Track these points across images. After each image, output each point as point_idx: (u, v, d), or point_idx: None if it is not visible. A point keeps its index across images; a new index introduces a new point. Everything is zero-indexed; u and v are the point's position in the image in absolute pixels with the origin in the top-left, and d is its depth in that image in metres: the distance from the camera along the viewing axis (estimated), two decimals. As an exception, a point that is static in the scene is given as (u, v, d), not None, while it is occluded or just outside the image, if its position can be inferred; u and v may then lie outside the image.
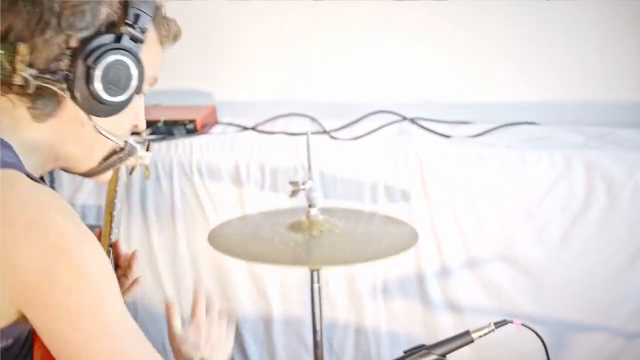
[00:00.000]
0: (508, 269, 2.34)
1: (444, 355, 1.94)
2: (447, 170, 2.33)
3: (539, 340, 2.26)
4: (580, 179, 2.24)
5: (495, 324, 1.90)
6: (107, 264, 1.10)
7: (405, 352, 1.94)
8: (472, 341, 1.90)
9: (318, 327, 2.18)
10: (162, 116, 2.60)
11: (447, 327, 2.38)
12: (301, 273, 2.49)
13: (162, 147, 2.52)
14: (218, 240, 2.05)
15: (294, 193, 2.05)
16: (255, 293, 2.54)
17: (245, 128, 2.64)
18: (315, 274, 2.09)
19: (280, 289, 2.52)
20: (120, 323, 1.07)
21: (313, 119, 2.65)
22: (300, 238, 2.02)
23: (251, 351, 2.57)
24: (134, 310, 2.62)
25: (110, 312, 1.06)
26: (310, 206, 2.05)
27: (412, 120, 2.59)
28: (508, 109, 2.61)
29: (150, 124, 2.60)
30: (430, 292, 2.40)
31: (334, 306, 2.48)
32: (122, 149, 1.22)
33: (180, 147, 2.52)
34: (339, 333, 2.50)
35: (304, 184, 2.03)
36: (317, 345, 2.20)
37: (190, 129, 2.56)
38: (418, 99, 2.69)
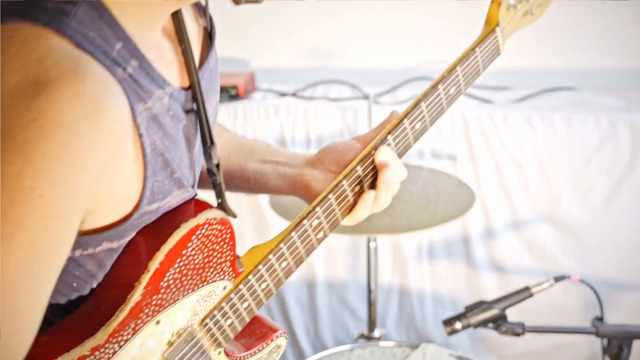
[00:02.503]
0: (553, 230, 2.38)
1: (503, 310, 2.00)
2: (493, 134, 2.37)
3: (582, 298, 2.33)
4: (626, 142, 2.29)
5: (555, 278, 1.97)
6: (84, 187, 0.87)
7: (466, 307, 2.00)
8: (531, 296, 1.96)
9: (373, 287, 2.22)
10: (203, 82, 2.61)
11: (491, 288, 2.44)
12: (345, 238, 2.53)
13: (205, 113, 2.53)
14: (280, 204, 2.07)
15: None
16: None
17: (285, 94, 2.66)
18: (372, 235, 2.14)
19: (324, 254, 2.55)
20: (20, 257, 0.83)
21: (353, 86, 2.67)
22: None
23: (294, 315, 2.60)
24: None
25: (23, 235, 0.82)
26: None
27: (452, 87, 2.61)
28: (544, 75, 2.66)
29: (191, 90, 2.61)
30: (475, 253, 2.44)
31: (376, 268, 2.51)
32: None
33: (224, 112, 2.53)
34: (383, 295, 2.54)
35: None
36: (371, 304, 2.24)
37: (233, 94, 2.57)
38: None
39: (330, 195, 1.14)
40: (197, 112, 1.08)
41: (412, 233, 2.22)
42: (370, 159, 1.16)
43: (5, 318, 0.84)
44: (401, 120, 1.17)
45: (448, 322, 1.97)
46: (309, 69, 2.80)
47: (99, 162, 0.88)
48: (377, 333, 2.22)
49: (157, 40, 1.02)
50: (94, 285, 1.03)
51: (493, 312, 1.99)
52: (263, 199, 2.41)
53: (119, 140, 0.90)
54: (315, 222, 1.14)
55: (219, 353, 1.16)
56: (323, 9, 2.76)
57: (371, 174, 1.17)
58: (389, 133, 1.16)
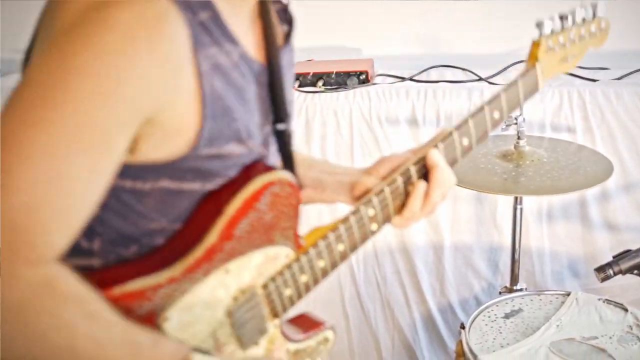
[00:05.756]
0: (662, 191, 2.71)
1: (644, 256, 2.28)
2: (608, 107, 2.67)
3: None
4: None
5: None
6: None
7: (614, 257, 2.29)
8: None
9: (517, 246, 2.50)
10: (334, 68, 2.87)
11: (605, 245, 2.74)
12: (471, 208, 2.81)
13: (340, 96, 2.79)
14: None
15: (508, 126, 2.36)
16: (427, 226, 2.84)
17: (403, 79, 2.92)
18: (519, 198, 2.43)
19: (451, 221, 2.82)
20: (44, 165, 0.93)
21: (464, 69, 2.95)
22: (510, 167, 2.34)
23: (422, 276, 2.88)
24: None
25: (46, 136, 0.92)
26: (519, 138, 2.37)
27: (556, 67, 2.90)
28: (632, 56, 2.97)
29: (322, 75, 2.86)
30: (590, 214, 2.74)
31: (499, 231, 2.80)
32: None
33: (358, 95, 2.79)
34: (505, 256, 2.83)
35: (516, 118, 2.35)
36: (515, 261, 2.52)
37: (363, 79, 2.84)
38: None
39: (386, 188, 1.27)
40: (272, 86, 1.18)
41: (558, 195, 2.52)
42: (423, 162, 1.29)
43: (37, 158, 0.92)
44: (451, 133, 1.32)
45: (601, 269, 2.25)
46: (417, 56, 3.07)
47: (152, 72, 0.96)
48: (520, 286, 2.51)
49: (241, 14, 1.14)
50: (152, 228, 1.09)
51: (639, 259, 2.30)
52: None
53: (174, 63, 0.99)
54: (370, 212, 1.26)
55: (276, 326, 1.25)
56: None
57: (423, 176, 1.30)
58: (440, 141, 1.31)
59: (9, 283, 0.92)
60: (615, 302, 2.28)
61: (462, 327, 2.17)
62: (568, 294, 2.31)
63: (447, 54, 3.02)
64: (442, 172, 1.29)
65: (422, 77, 2.92)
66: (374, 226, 1.28)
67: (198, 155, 1.05)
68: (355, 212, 1.26)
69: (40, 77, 0.93)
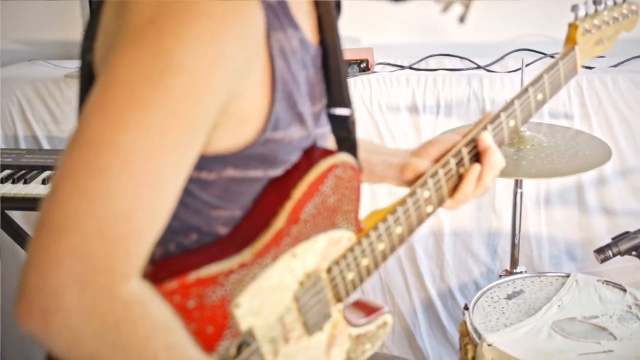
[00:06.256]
0: (657, 176, 2.76)
1: (645, 234, 2.33)
2: (604, 94, 2.72)
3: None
4: None
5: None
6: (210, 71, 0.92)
7: (613, 238, 2.34)
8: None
9: (517, 230, 2.55)
10: (335, 57, 2.90)
11: (602, 230, 2.79)
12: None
13: (340, 85, 2.83)
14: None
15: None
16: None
17: (403, 67, 2.97)
18: (519, 182, 2.48)
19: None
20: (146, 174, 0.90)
21: (462, 57, 2.99)
22: (511, 151, 2.38)
23: (422, 262, 2.92)
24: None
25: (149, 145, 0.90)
26: (520, 123, 2.42)
27: (552, 56, 2.96)
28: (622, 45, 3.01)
29: (323, 64, 2.90)
30: (587, 199, 2.80)
31: (498, 217, 2.85)
32: None
33: (359, 83, 2.83)
34: (503, 241, 2.88)
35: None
36: (515, 245, 2.56)
37: (364, 67, 2.88)
38: (545, 37, 3.07)
39: (440, 170, 1.27)
40: (326, 69, 1.17)
41: (558, 178, 2.57)
42: (474, 144, 1.30)
43: (141, 163, 0.89)
44: (499, 114, 1.32)
45: (601, 251, 2.30)
46: (416, 45, 3.11)
47: (239, 57, 0.94)
48: (519, 269, 2.55)
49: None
50: (213, 216, 1.07)
51: (637, 240, 2.34)
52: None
53: (256, 45, 0.98)
54: (426, 194, 1.26)
55: (339, 311, 1.24)
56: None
57: (474, 158, 1.31)
58: (489, 123, 1.31)
59: (109, 300, 0.89)
60: (613, 283, 2.33)
61: (466, 307, 2.22)
62: (568, 276, 2.36)
63: (445, 43, 3.06)
64: (494, 154, 1.30)
65: (421, 65, 2.96)
66: (429, 208, 1.28)
67: (264, 141, 1.04)
68: (412, 194, 1.26)
69: (131, 75, 0.90)
